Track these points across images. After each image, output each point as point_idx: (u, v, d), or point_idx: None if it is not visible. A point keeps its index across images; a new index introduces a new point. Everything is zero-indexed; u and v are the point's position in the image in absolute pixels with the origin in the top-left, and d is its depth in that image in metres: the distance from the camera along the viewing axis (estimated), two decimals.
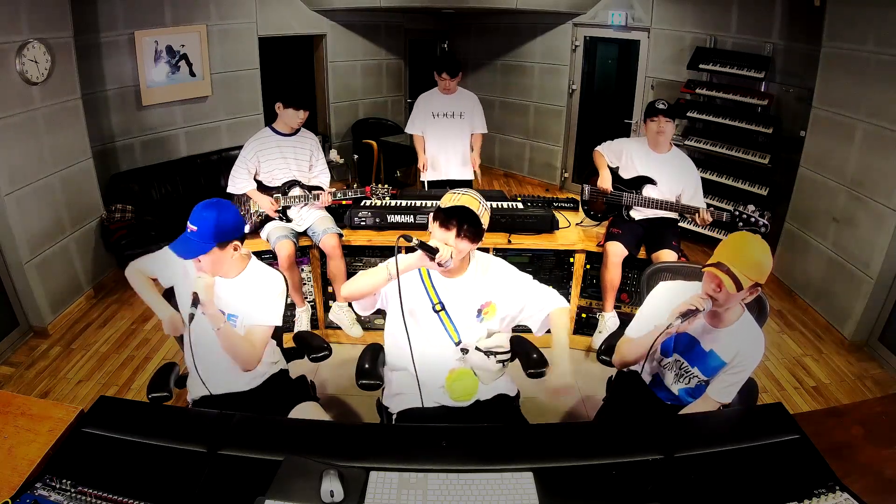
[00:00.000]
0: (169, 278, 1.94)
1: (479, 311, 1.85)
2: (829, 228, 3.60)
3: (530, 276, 1.92)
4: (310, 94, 3.12)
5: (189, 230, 1.72)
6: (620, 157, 3.01)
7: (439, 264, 1.67)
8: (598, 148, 3.10)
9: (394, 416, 1.89)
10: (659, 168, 2.91)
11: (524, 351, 2.02)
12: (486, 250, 2.92)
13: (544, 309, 1.86)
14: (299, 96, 2.93)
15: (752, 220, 2.67)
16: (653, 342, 1.75)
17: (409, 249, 1.69)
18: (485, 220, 1.71)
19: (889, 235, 3.08)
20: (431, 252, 1.65)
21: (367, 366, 1.94)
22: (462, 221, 1.68)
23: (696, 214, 2.77)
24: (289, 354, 2.15)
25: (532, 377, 1.92)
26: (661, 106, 2.83)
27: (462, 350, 1.85)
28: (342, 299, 1.76)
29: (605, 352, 2.07)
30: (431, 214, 1.74)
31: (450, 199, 1.72)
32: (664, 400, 1.93)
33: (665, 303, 1.83)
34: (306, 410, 1.87)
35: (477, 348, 1.86)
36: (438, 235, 1.71)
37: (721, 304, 1.69)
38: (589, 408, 2.79)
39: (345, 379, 2.96)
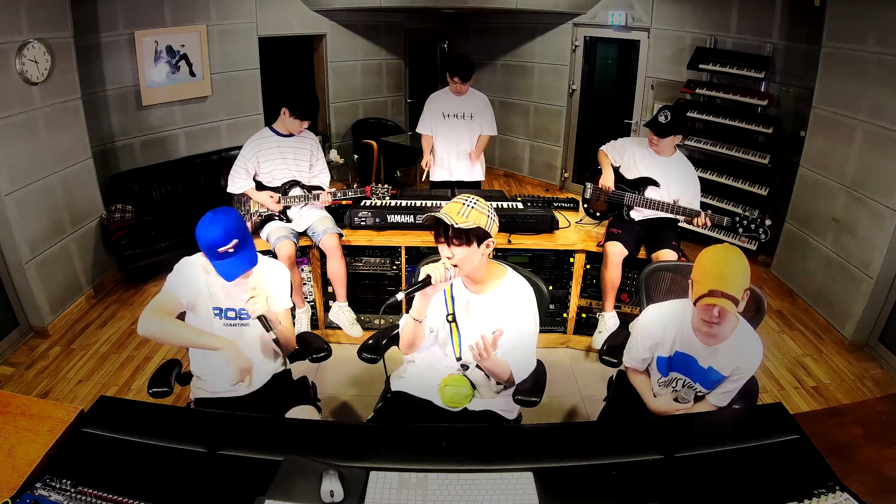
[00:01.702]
0: (194, 293, 1.80)
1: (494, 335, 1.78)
2: (829, 228, 3.59)
3: (535, 334, 1.82)
4: (314, 103, 3.09)
5: (230, 249, 1.67)
6: (623, 156, 3.01)
7: (445, 280, 1.65)
8: (603, 147, 3.10)
9: (390, 394, 1.93)
10: (660, 171, 2.90)
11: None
12: None
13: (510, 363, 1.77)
14: (306, 108, 2.92)
15: (752, 227, 2.66)
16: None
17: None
18: (472, 220, 1.62)
19: (889, 235, 3.08)
20: (426, 284, 1.62)
21: (370, 342, 2.00)
22: (445, 230, 1.65)
23: (697, 218, 2.76)
24: (291, 355, 2.15)
25: (518, 403, 1.82)
26: (661, 120, 2.77)
27: (462, 366, 1.83)
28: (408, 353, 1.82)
29: (608, 352, 2.06)
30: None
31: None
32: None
33: (654, 326, 1.84)
34: (302, 413, 1.88)
35: (478, 366, 1.81)
36: (440, 251, 1.71)
37: (722, 329, 1.65)
38: (589, 408, 2.79)
39: (345, 378, 2.96)
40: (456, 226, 1.60)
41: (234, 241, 1.67)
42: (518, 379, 1.79)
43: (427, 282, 1.62)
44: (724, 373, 1.75)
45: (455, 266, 1.65)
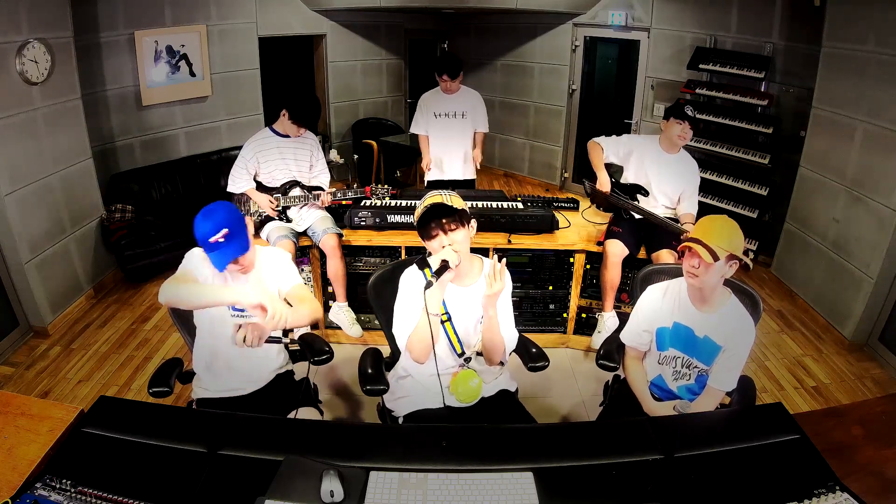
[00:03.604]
0: (207, 279, 1.80)
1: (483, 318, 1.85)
2: (829, 228, 3.60)
3: (511, 305, 1.91)
4: (315, 110, 3.08)
5: (220, 239, 1.65)
6: (630, 157, 2.95)
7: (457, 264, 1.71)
8: (598, 140, 2.97)
9: (399, 419, 1.89)
10: (667, 168, 2.89)
11: (523, 347, 2.03)
12: (485, 251, 2.93)
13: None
14: (306, 115, 2.92)
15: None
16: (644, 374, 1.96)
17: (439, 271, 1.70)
18: (457, 204, 1.74)
19: (889, 235, 3.08)
20: (445, 268, 1.67)
21: (370, 371, 1.90)
22: (440, 219, 1.72)
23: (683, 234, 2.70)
24: (292, 356, 2.15)
25: (533, 370, 1.97)
26: (689, 113, 2.80)
27: (465, 360, 1.86)
28: (419, 361, 1.82)
29: (604, 356, 2.04)
30: (423, 240, 1.78)
31: (418, 212, 1.76)
32: (664, 401, 1.93)
33: (655, 305, 1.92)
34: (304, 416, 1.87)
35: (478, 353, 1.86)
36: (435, 246, 1.74)
37: (703, 281, 1.74)
38: (588, 408, 2.79)
39: (345, 378, 2.97)
40: (455, 207, 1.71)
41: (224, 231, 1.66)
42: (509, 350, 1.90)
43: (446, 265, 1.67)
44: (718, 341, 1.80)
45: (455, 252, 1.71)
